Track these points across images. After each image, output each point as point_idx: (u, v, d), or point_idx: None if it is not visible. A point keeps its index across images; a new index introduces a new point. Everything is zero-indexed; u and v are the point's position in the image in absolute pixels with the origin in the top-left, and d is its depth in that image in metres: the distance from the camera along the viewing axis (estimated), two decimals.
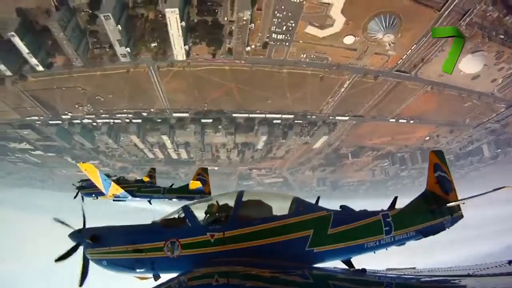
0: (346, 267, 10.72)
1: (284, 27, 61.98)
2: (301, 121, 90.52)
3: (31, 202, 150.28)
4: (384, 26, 57.91)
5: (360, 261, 10.72)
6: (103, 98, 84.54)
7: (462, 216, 13.41)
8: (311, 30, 61.15)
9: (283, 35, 63.64)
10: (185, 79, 76.23)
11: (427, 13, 57.49)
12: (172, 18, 61.91)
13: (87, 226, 12.59)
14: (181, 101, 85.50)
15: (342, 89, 74.73)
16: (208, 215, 10.89)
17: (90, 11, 66.49)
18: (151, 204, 33.74)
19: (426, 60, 65.70)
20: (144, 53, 72.10)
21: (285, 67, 70.45)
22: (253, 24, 62.18)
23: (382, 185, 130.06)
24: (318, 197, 12.57)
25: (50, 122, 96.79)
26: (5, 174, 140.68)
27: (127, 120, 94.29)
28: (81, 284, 11.50)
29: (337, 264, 10.67)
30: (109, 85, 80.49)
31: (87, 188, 33.02)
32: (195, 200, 12.48)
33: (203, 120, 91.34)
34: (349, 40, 62.54)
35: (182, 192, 32.47)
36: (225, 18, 64.17)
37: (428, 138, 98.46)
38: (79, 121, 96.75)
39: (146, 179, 36.56)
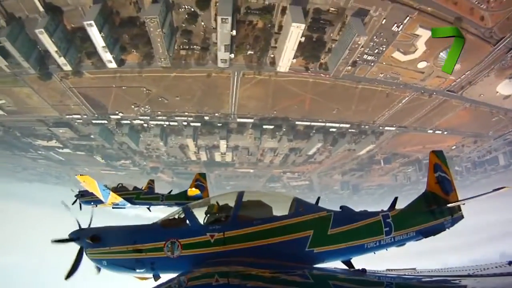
0: (346, 267, 10.65)
1: (376, 50, 71.21)
2: (354, 130, 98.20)
3: (40, 196, 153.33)
4: None
5: (360, 261, 10.69)
6: (168, 100, 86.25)
7: (462, 217, 13.34)
8: (396, 54, 72.22)
9: (372, 57, 72.71)
10: (265, 87, 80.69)
11: (484, 47, 69.05)
12: (295, 32, 64.90)
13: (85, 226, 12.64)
14: (250, 107, 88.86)
15: (400, 104, 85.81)
16: (208, 215, 10.86)
17: (194, 9, 66.01)
18: (150, 211, 33.72)
19: (473, 83, 78.03)
20: (240, 59, 74.68)
21: (361, 83, 79.42)
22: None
23: (399, 190, 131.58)
24: (318, 198, 12.51)
25: (94, 121, 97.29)
26: (21, 169, 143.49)
27: (185, 123, 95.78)
28: (67, 278, 11.48)
29: (337, 264, 10.62)
30: (180, 88, 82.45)
31: (86, 196, 33.19)
32: (195, 201, 12.39)
33: (264, 126, 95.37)
34: (421, 65, 73.94)
35: (181, 198, 32.17)
36: (331, 36, 70.12)
37: (454, 147, 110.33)
38: (128, 122, 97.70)
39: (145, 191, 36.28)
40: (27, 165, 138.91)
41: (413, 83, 79.01)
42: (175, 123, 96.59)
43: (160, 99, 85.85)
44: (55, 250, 12.50)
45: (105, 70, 76.59)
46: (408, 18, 64.48)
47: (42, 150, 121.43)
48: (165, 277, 10.26)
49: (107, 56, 72.50)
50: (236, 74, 76.98)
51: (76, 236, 11.79)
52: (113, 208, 31.25)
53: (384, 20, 65.32)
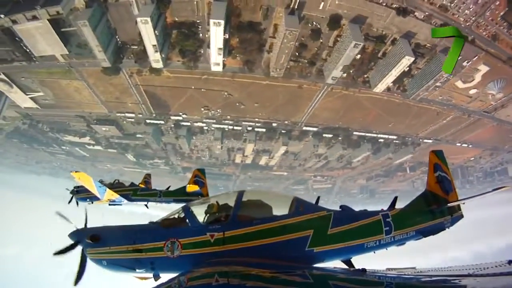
0: (346, 267, 10.67)
1: (445, 78, 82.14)
2: (398, 141, 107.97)
3: (45, 188, 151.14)
4: (499, 87, 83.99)
5: (360, 261, 10.69)
6: (245, 105, 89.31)
7: (462, 216, 13.32)
8: (457, 83, 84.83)
9: (441, 83, 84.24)
10: (344, 101, 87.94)
11: None
12: (404, 63, 74.88)
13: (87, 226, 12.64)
14: (320, 117, 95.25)
15: (444, 121, 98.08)
16: (208, 215, 10.87)
17: (322, 28, 70.89)
18: (147, 208, 33.15)
19: (504, 106, 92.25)
20: (344, 77, 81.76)
21: (422, 103, 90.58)
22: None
23: (411, 195, 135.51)
24: (318, 197, 12.57)
25: (148, 121, 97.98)
26: (34, 163, 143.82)
27: (249, 128, 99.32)
28: (76, 283, 11.44)
29: (337, 264, 10.65)
30: (263, 95, 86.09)
31: (82, 193, 32.62)
32: (195, 201, 12.41)
33: (324, 135, 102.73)
34: (472, 91, 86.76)
35: (180, 195, 31.91)
36: (416, 65, 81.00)
37: (472, 158, 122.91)
38: (188, 124, 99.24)
39: (142, 186, 35.84)
40: (42, 159, 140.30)
41: (461, 105, 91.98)
42: (239, 128, 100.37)
43: (237, 104, 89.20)
44: (55, 243, 11.95)
45: (189, 71, 79.17)
46: (476, 57, 77.15)
47: (68, 146, 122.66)
48: (165, 277, 10.29)
49: (217, 59, 74.11)
50: (325, 87, 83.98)
51: (75, 237, 11.87)
52: (109, 205, 30.67)
53: (460, 57, 72.08)
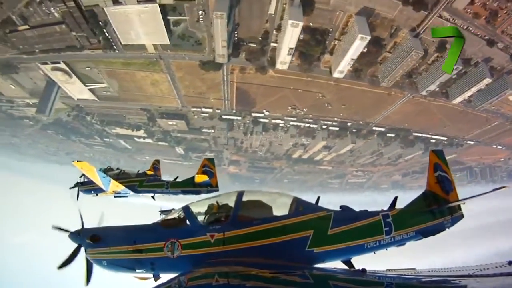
0: (346, 267, 10.61)
1: (506, 94, 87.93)
2: (446, 142, 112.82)
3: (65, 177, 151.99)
4: None
5: (360, 262, 10.67)
6: (332, 106, 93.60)
7: (462, 216, 13.21)
8: (510, 97, 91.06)
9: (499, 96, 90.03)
10: (417, 106, 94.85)
11: None
12: (484, 82, 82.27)
13: (87, 226, 12.57)
14: (392, 119, 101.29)
15: (489, 126, 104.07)
16: (208, 215, 10.86)
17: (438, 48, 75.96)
18: (154, 199, 31.69)
19: None
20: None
21: (478, 111, 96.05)
22: None
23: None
24: (318, 197, 12.34)
25: (225, 116, 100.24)
26: (63, 154, 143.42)
27: (324, 127, 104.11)
28: (87, 283, 11.59)
29: (337, 264, 10.59)
30: (353, 99, 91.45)
31: (86, 185, 31.25)
32: (195, 201, 12.31)
33: (388, 134, 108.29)
34: None
35: (188, 185, 30.20)
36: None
37: (502, 159, 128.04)
38: (266, 120, 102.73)
39: (150, 172, 34.41)
40: (74, 150, 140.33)
41: (507, 114, 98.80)
42: (315, 126, 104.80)
43: (326, 104, 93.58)
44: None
45: (294, 72, 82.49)
46: None
47: (112, 138, 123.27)
48: (165, 277, 10.30)
49: (344, 67, 78.61)
50: (408, 95, 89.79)
51: (75, 237, 11.92)
52: (114, 197, 29.81)
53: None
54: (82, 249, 11.69)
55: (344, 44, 75.23)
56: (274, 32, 75.44)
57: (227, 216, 10.50)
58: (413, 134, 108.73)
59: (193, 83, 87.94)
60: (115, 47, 78.95)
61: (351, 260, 10.77)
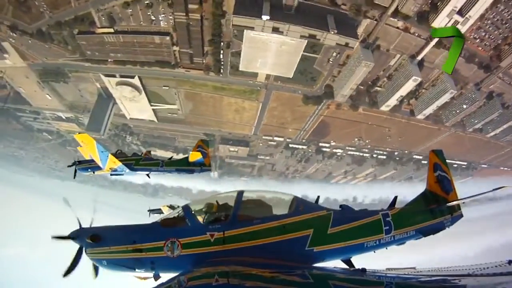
0: (346, 266, 10.67)
1: None
2: (464, 166, 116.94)
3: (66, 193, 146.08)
4: None
5: (360, 261, 10.68)
6: (391, 139, 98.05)
7: (462, 216, 13.23)
8: None
9: None
10: (454, 138, 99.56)
11: None
12: None
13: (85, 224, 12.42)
14: (429, 148, 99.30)
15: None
16: (208, 214, 10.82)
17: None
18: (149, 177, 32.61)
19: None
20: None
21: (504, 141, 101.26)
22: None
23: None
24: (318, 197, 12.60)
25: (292, 145, 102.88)
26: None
27: (374, 155, 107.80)
28: (65, 275, 11.29)
29: (337, 264, 10.67)
30: (410, 134, 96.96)
31: (83, 163, 31.88)
32: (195, 200, 12.17)
33: (423, 161, 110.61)
34: None
35: (182, 164, 31.57)
36: None
37: None
38: (327, 150, 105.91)
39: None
40: None
41: None
42: (367, 155, 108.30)
43: (387, 137, 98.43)
44: (61, 245, 11.75)
45: (381, 111, 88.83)
46: None
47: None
48: (165, 276, 10.27)
49: (392, 103, 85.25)
50: (452, 130, 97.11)
51: (76, 236, 11.72)
52: (111, 175, 30.43)
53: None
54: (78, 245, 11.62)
55: (430, 93, 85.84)
56: (385, 79, 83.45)
57: (227, 215, 10.46)
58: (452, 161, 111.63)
59: (281, 114, 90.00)
60: (222, 71, 77.74)
61: (351, 260, 10.78)
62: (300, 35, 68.07)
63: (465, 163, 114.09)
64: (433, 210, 12.70)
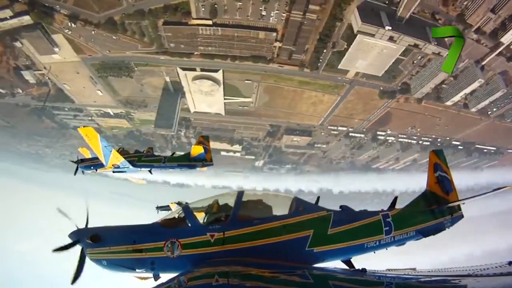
0: (346, 267, 10.67)
1: None
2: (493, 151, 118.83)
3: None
4: None
5: (360, 261, 10.72)
6: (439, 127, 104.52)
7: (462, 216, 13.23)
8: None
9: None
10: (494, 126, 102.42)
11: None
12: None
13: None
14: (466, 135, 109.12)
15: None
16: (208, 215, 10.82)
17: None
18: (151, 174, 32.72)
19: None
20: None
21: None
22: None
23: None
24: (318, 197, 12.38)
25: (352, 134, 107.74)
26: None
27: (420, 142, 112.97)
28: (73, 282, 11.24)
29: (337, 264, 10.66)
30: (456, 122, 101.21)
31: (86, 161, 32.48)
32: (195, 200, 12.03)
33: (459, 147, 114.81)
34: None
35: (184, 160, 31.53)
36: None
37: None
38: (382, 138, 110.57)
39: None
40: None
41: None
42: (414, 142, 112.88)
43: (436, 126, 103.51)
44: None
45: (440, 104, 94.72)
46: None
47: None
48: (165, 277, 10.27)
49: (457, 98, 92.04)
50: (492, 120, 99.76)
51: (75, 237, 11.72)
52: (113, 172, 30.45)
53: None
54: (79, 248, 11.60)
55: (484, 90, 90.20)
56: (451, 78, 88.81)
57: (227, 215, 10.47)
58: (476, 146, 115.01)
59: (354, 106, 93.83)
60: (318, 68, 79.62)
61: (351, 260, 10.79)
62: (409, 44, 75.36)
63: (494, 148, 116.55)
64: (433, 211, 12.67)
